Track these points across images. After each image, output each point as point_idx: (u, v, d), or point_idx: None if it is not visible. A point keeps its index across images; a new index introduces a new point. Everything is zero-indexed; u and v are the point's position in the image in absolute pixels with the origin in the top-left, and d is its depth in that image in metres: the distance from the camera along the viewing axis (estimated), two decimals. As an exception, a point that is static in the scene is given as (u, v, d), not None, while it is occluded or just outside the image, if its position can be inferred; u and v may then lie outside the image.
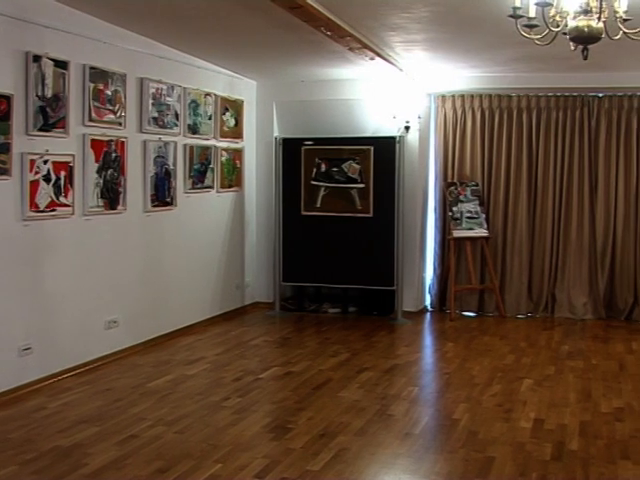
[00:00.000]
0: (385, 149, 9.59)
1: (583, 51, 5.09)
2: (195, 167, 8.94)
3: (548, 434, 5.57)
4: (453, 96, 10.19)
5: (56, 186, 6.73)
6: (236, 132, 9.83)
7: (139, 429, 5.56)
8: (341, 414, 5.97)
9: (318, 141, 9.84)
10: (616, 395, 6.60)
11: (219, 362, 7.58)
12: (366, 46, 7.54)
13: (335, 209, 9.76)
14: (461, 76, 9.57)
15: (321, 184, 9.81)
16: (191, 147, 8.82)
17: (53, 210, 6.72)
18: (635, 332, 9.28)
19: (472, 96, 10.14)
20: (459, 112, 10.22)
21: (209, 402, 6.24)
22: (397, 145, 9.55)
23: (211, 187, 9.32)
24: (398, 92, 9.76)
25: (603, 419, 5.95)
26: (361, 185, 9.69)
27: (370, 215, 9.67)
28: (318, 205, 9.84)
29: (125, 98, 7.63)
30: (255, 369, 7.36)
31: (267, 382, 6.94)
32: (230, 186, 9.76)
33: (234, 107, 9.74)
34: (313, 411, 6.03)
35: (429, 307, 10.49)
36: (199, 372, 7.18)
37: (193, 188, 8.94)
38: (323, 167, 9.79)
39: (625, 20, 4.92)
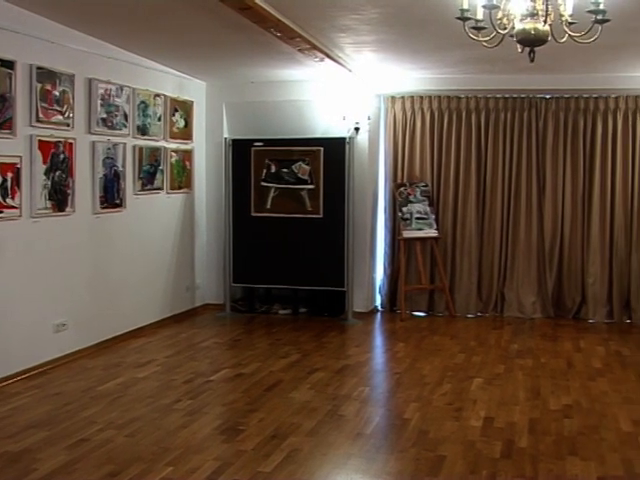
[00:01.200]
0: (335, 150, 9.61)
1: (530, 53, 5.15)
2: (144, 168, 8.88)
3: (498, 432, 5.62)
4: (403, 97, 10.24)
5: (3, 188, 6.64)
6: (186, 133, 9.79)
7: (89, 433, 5.50)
8: (292, 415, 5.97)
9: (268, 142, 9.83)
10: (564, 392, 6.69)
11: (169, 364, 7.53)
12: (316, 47, 7.54)
13: (285, 210, 9.76)
14: (410, 77, 9.62)
15: (271, 185, 9.80)
16: (140, 148, 8.76)
17: (0, 212, 6.63)
18: (583, 330, 9.40)
19: (421, 97, 10.20)
20: (409, 113, 10.27)
21: (160, 405, 6.20)
22: (347, 146, 9.57)
23: (161, 188, 9.26)
24: (348, 93, 9.80)
25: (552, 416, 6.02)
26: (311, 186, 9.70)
27: (320, 216, 9.69)
28: (268, 206, 9.82)
29: (73, 99, 7.55)
30: (206, 371, 7.34)
31: (218, 384, 6.92)
32: (180, 187, 9.71)
33: (184, 108, 9.70)
34: (264, 412, 6.02)
35: (379, 307, 10.53)
36: (150, 375, 7.13)
37: (143, 190, 8.88)
38: (273, 168, 9.78)
39: (570, 23, 4.99)
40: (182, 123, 9.66)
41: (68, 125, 7.51)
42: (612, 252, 9.96)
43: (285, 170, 9.75)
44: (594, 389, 6.81)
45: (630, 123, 9.82)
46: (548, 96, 9.99)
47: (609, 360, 7.94)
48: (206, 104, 10.28)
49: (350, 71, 8.94)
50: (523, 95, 10.01)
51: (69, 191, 7.55)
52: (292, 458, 5.05)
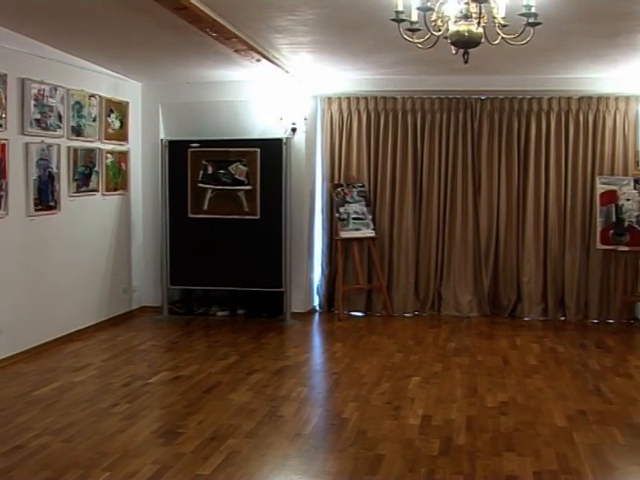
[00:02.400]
0: (272, 151, 9.60)
1: (464, 55, 5.21)
2: (79, 170, 8.78)
3: (436, 430, 5.68)
4: (339, 98, 10.28)
5: None
6: (121, 134, 9.70)
7: (25, 439, 5.42)
8: (231, 417, 5.96)
9: (205, 143, 9.79)
10: (501, 390, 6.77)
11: (106, 368, 7.46)
12: (252, 48, 7.54)
13: (222, 211, 9.72)
14: (347, 78, 9.66)
15: (208, 186, 9.76)
16: (75, 150, 8.66)
17: None
18: (518, 328, 9.54)
19: (358, 98, 10.25)
20: (345, 114, 10.31)
21: (97, 409, 6.13)
22: (284, 147, 9.57)
23: (96, 190, 9.16)
24: (284, 94, 9.80)
25: (488, 413, 6.10)
26: (248, 187, 9.68)
27: (257, 217, 9.67)
28: (205, 208, 9.78)
29: (5, 99, 7.43)
30: (143, 374, 7.28)
31: (156, 387, 6.87)
32: (116, 189, 9.62)
33: (119, 109, 9.60)
34: (203, 415, 6.00)
35: (317, 308, 10.55)
36: (86, 379, 7.05)
37: (78, 191, 8.77)
38: (210, 169, 9.74)
39: (503, 26, 5.07)
40: (117, 124, 9.57)
41: (0, 126, 7.39)
42: (546, 251, 10.12)
43: (222, 171, 9.72)
44: (529, 386, 6.92)
45: (563, 124, 9.98)
46: (483, 97, 10.11)
47: (544, 357, 8.06)
48: (142, 105, 10.20)
49: (287, 72, 8.95)
50: (458, 96, 10.12)
51: (2, 193, 7.43)
52: (231, 460, 5.04)
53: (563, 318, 10.11)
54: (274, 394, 6.60)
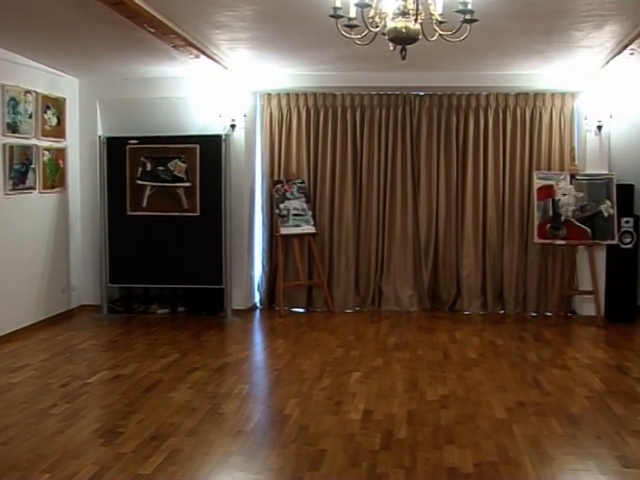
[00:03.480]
0: (211, 147, 9.56)
1: (401, 51, 5.24)
2: (15, 167, 8.64)
3: (377, 424, 5.71)
4: (279, 94, 10.27)
5: None
6: (58, 131, 9.57)
7: (-39, 441, 5.34)
8: (172, 415, 5.92)
9: (143, 140, 9.71)
10: (441, 383, 6.83)
11: (45, 368, 7.35)
12: (190, 44, 7.50)
13: (162, 209, 9.66)
14: (286, 74, 9.66)
15: (147, 183, 9.68)
16: (11, 147, 8.52)
17: None
18: (458, 322, 9.64)
19: (297, 94, 10.25)
20: (285, 110, 10.31)
21: (35, 410, 6.04)
22: (223, 143, 9.54)
23: (33, 188, 9.03)
24: (223, 90, 9.76)
25: (429, 407, 6.15)
26: (187, 184, 9.63)
27: (197, 214, 9.63)
28: (144, 205, 9.70)
29: (-63, 96, 7.30)
30: (83, 374, 7.19)
31: (95, 386, 6.79)
32: (53, 187, 9.49)
33: (56, 105, 9.48)
34: (143, 414, 5.95)
35: (258, 304, 10.55)
36: (24, 379, 6.95)
37: (14, 189, 8.64)
38: (149, 166, 9.67)
39: (440, 22, 5.11)
40: (54, 121, 9.45)
41: None
42: (485, 245, 10.24)
43: (161, 168, 9.65)
44: (469, 379, 6.99)
45: (500, 120, 10.10)
46: (422, 93, 10.18)
47: (483, 350, 8.15)
48: (79, 101, 10.08)
49: (226, 68, 8.92)
50: (397, 92, 10.18)
51: None
52: (173, 459, 5.01)
53: (502, 311, 10.24)
54: (215, 392, 6.57)
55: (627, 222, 9.54)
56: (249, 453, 5.15)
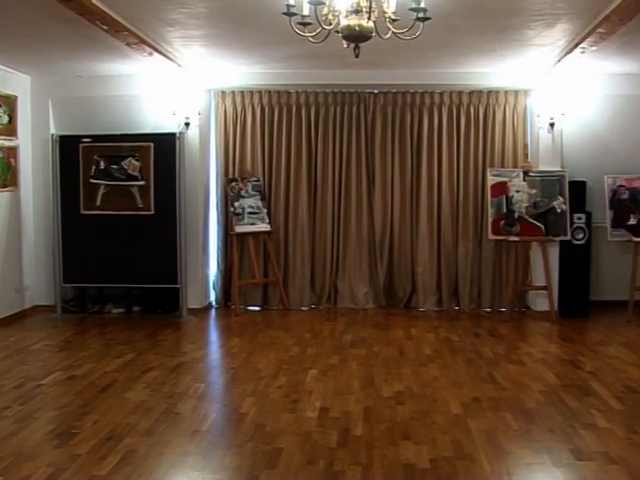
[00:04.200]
0: (165, 146, 9.51)
1: (355, 49, 5.25)
2: (-35, 166, 8.54)
3: (334, 422, 5.72)
4: (233, 92, 10.24)
5: None
6: (10, 129, 9.46)
7: None
8: (127, 415, 5.88)
9: (97, 138, 9.63)
10: (397, 380, 6.86)
11: (-3, 369, 7.28)
12: (144, 41, 7.46)
13: (116, 207, 9.59)
14: (241, 72, 9.63)
15: (100, 182, 9.60)
16: (-39, 145, 8.42)
17: None
18: (414, 318, 9.69)
19: (252, 92, 10.23)
20: (239, 108, 10.28)
21: (-12, 411, 5.98)
22: (177, 141, 9.49)
23: (-16, 187, 8.93)
24: (178, 88, 9.71)
25: (385, 403, 6.17)
26: (142, 182, 9.57)
27: (151, 213, 9.57)
28: (98, 204, 9.62)
29: None
30: (36, 375, 7.11)
31: (49, 387, 6.72)
32: (5, 186, 9.38)
33: (7, 103, 9.36)
34: (98, 414, 5.91)
35: (214, 303, 10.51)
36: (-24, 381, 6.88)
37: (-36, 188, 8.54)
38: (102, 165, 9.59)
39: (394, 20, 5.14)
40: (6, 119, 9.33)
41: None
42: (440, 242, 10.30)
43: (115, 166, 9.58)
44: (425, 375, 7.03)
45: (454, 117, 10.16)
46: (376, 91, 10.21)
47: (439, 346, 8.20)
48: (31, 99, 9.96)
49: (180, 66, 8.88)
50: (352, 90, 10.20)
51: None
52: (128, 459, 4.98)
53: (457, 308, 10.32)
54: (171, 391, 6.54)
55: (579, 218, 9.67)
56: (205, 452, 5.13)
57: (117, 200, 9.59)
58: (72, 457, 5.02)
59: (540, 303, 9.96)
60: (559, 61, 8.48)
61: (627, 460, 4.91)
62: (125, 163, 9.56)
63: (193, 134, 9.89)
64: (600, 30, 6.82)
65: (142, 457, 5.02)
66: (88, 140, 9.62)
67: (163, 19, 6.79)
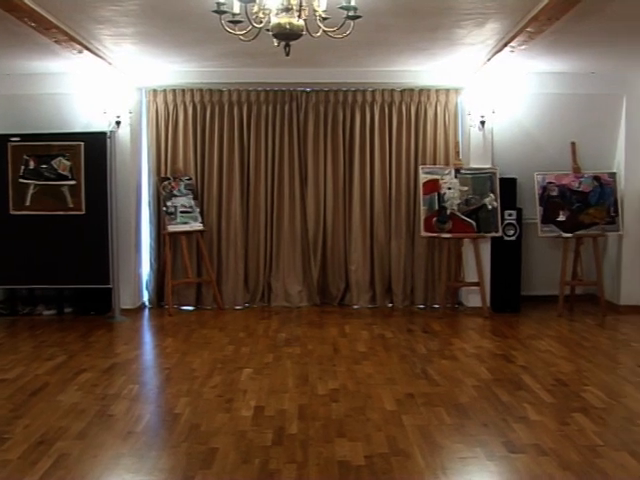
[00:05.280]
0: (96, 145, 9.41)
1: (285, 47, 5.26)
2: None
3: (269, 420, 5.71)
4: (164, 90, 10.17)
5: None
6: None
7: None
8: (60, 418, 5.80)
9: (25, 137, 9.48)
10: (331, 377, 6.88)
11: None
12: (73, 39, 7.37)
13: (46, 207, 9.45)
14: (172, 70, 9.58)
15: (30, 182, 9.46)
16: None
17: None
18: (347, 316, 9.74)
19: (183, 90, 10.17)
20: (171, 107, 10.21)
21: None
22: (108, 140, 9.39)
23: None
24: (108, 86, 9.61)
25: (320, 401, 6.18)
26: (72, 182, 9.45)
27: (82, 212, 9.46)
28: (28, 204, 9.48)
29: None
30: (-35, 378, 6.99)
31: (-21, 391, 6.61)
32: None
33: None
34: (30, 418, 5.81)
35: (147, 303, 10.44)
36: None
37: None
38: (32, 164, 9.44)
39: (324, 19, 5.15)
40: None
41: None
42: (373, 240, 10.36)
43: (44, 166, 9.44)
44: (359, 372, 7.06)
45: (386, 115, 10.24)
46: (308, 89, 10.23)
47: (373, 343, 8.25)
48: (-44, 98, 9.78)
49: (110, 64, 8.78)
50: (284, 88, 10.20)
51: None
52: (61, 463, 4.90)
53: (391, 305, 10.39)
54: (104, 393, 6.47)
55: (510, 215, 9.81)
56: (140, 454, 5.09)
57: (47, 200, 9.46)
58: (2, 462, 4.92)
59: (472, 299, 10.09)
60: (489, 60, 8.58)
61: (558, 451, 5.00)
62: (55, 162, 9.43)
63: (124, 133, 9.80)
64: (529, 29, 6.92)
65: (75, 461, 4.95)
66: (17, 139, 9.46)
67: (93, 16, 6.72)
